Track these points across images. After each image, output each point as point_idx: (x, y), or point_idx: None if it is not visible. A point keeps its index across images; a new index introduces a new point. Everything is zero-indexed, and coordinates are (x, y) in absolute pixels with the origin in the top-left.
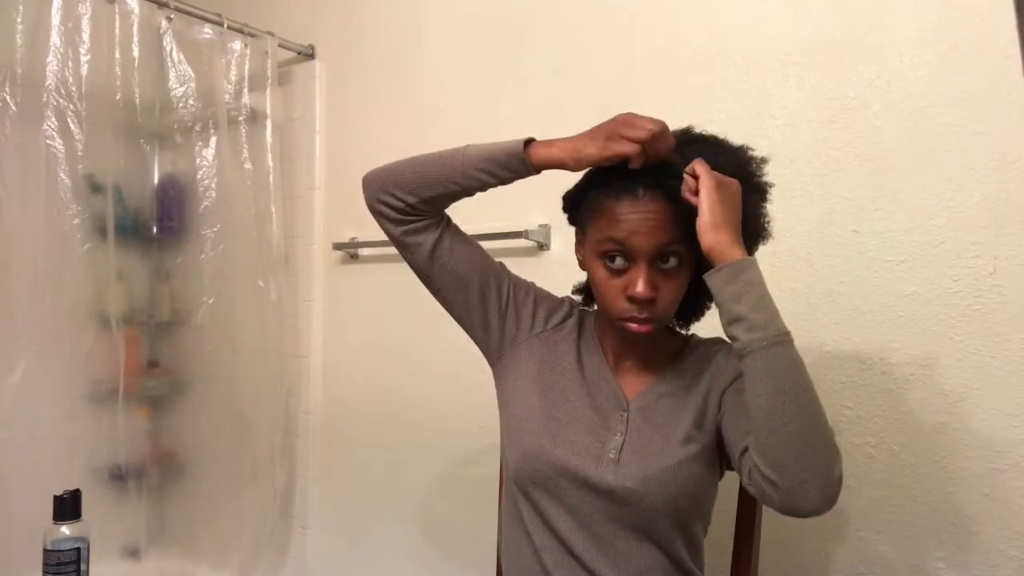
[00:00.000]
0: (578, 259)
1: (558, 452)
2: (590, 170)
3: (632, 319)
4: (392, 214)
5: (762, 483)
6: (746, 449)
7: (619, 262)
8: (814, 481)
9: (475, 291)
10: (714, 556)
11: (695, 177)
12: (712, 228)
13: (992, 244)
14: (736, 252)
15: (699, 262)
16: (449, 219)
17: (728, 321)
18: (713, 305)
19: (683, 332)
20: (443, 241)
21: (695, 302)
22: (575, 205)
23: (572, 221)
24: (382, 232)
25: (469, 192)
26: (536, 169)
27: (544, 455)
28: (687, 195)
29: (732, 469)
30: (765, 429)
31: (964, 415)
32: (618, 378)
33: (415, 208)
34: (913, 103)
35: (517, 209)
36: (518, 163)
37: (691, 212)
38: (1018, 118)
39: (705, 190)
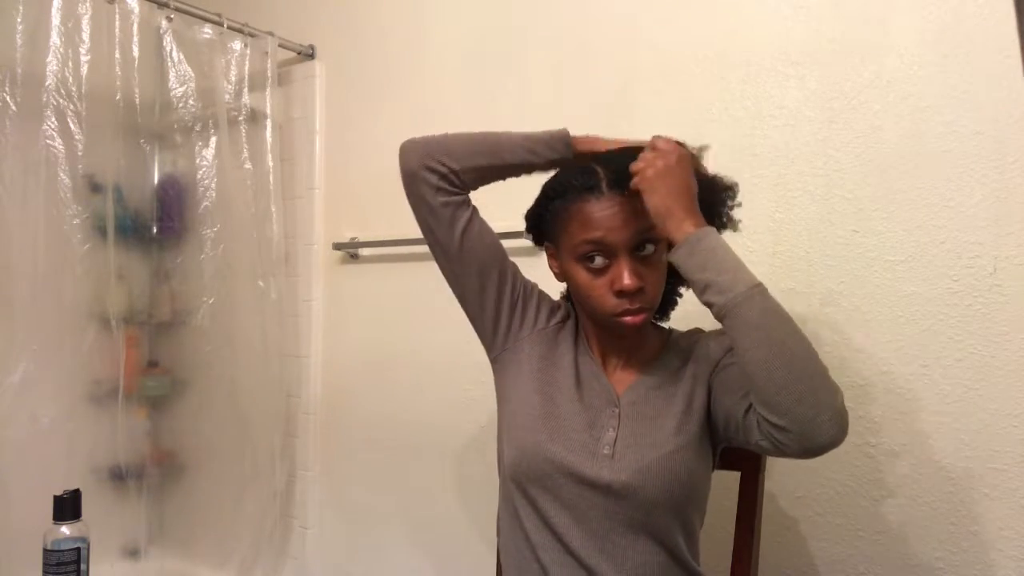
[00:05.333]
0: (554, 272)
1: (554, 448)
2: (546, 183)
3: (625, 312)
4: (435, 180)
5: (774, 433)
6: (750, 407)
7: (599, 261)
8: (823, 415)
9: (493, 280)
10: (714, 556)
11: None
12: (658, 217)
13: (992, 244)
14: (688, 227)
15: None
16: (475, 207)
17: (700, 291)
18: (685, 293)
19: (663, 326)
20: (473, 223)
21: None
22: (540, 219)
23: (538, 238)
24: (383, 231)
25: (508, 171)
26: (575, 154)
27: (540, 451)
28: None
29: (734, 445)
30: (763, 379)
31: (964, 415)
32: (608, 376)
33: (458, 176)
34: (913, 103)
35: (521, 209)
36: (561, 144)
37: None
38: (1018, 118)
39: (641, 184)
